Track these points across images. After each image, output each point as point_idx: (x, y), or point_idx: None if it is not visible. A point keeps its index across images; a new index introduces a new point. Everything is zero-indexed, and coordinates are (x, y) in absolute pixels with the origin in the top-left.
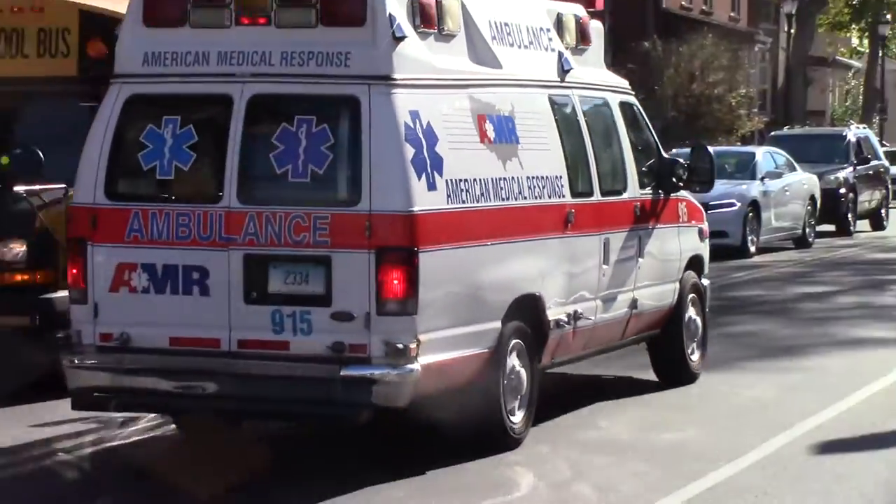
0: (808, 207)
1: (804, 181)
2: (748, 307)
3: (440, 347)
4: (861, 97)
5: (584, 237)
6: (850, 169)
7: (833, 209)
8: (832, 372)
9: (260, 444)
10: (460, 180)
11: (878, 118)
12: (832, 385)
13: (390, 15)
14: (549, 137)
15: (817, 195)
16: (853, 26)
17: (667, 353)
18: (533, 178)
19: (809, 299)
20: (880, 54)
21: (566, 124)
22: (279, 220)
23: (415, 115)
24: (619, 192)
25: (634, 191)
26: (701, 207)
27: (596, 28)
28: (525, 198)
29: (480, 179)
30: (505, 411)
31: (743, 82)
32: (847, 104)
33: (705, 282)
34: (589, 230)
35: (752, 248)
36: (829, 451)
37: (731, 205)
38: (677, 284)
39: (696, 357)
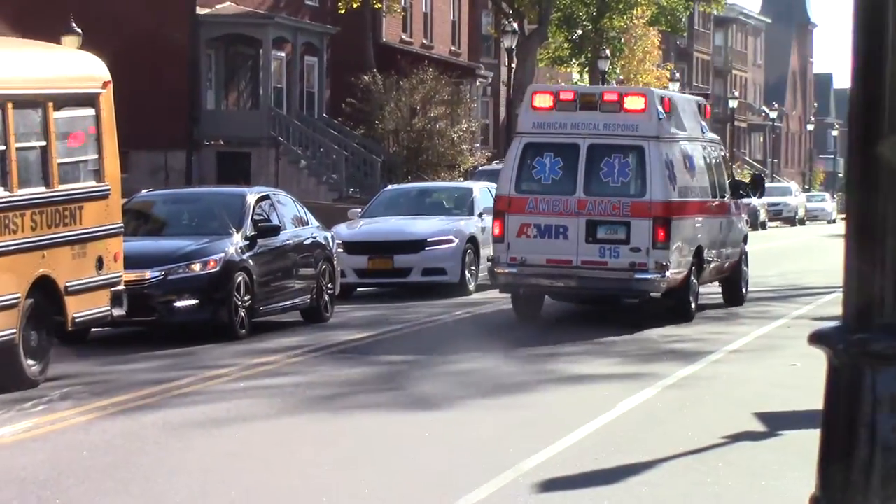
0: None
1: None
2: (469, 345)
3: (674, 267)
4: None
5: (715, 219)
6: None
7: None
8: (556, 408)
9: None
10: (682, 187)
11: None
12: (556, 421)
13: (657, 108)
14: (703, 168)
15: None
16: (574, 61)
17: (732, 287)
18: (700, 187)
19: (532, 337)
20: None
21: (706, 161)
22: (605, 203)
23: (667, 154)
24: (723, 196)
25: (727, 196)
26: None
27: (709, 107)
28: (698, 197)
29: (686, 187)
30: (689, 302)
31: (465, 117)
32: None
33: (748, 249)
34: (716, 215)
35: (471, 286)
36: (554, 488)
37: (450, 241)
38: (740, 249)
39: (744, 291)
